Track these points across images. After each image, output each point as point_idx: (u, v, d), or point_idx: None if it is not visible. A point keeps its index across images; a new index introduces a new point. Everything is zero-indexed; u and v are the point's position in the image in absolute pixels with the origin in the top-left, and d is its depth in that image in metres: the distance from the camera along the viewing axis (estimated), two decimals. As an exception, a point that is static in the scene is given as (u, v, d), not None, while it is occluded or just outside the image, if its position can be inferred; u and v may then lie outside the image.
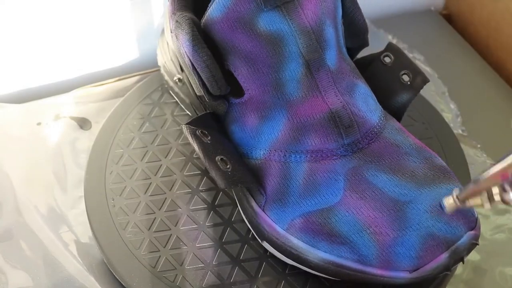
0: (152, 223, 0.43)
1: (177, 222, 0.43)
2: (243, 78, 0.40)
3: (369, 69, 0.44)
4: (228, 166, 0.39)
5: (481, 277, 0.43)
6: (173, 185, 0.45)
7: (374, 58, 0.45)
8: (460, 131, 0.53)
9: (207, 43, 0.40)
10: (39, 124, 0.53)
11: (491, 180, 0.32)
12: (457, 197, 0.34)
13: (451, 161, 0.47)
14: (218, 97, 0.41)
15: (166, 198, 0.45)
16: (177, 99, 0.50)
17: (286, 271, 0.40)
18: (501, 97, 0.57)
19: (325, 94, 0.39)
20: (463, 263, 0.37)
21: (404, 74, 0.44)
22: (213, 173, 0.38)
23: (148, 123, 0.50)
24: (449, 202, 0.35)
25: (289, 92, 0.39)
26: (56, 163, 0.50)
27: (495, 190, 0.32)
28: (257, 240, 0.41)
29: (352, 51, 0.44)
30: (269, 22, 0.38)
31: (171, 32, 0.42)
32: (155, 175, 0.46)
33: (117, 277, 0.41)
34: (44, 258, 0.44)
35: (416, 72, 0.44)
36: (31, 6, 0.54)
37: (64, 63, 0.58)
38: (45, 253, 0.44)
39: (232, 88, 0.41)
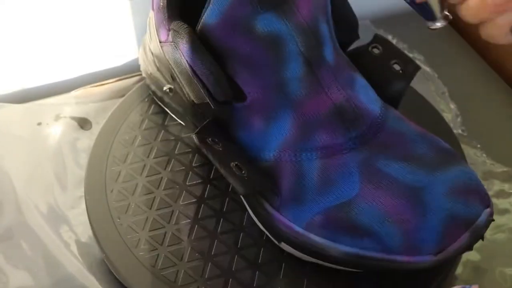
0: (147, 221, 0.43)
1: (170, 219, 0.43)
2: (244, 82, 0.40)
3: (359, 61, 0.44)
4: (243, 172, 0.39)
5: (481, 277, 0.43)
6: (177, 192, 0.45)
7: (363, 51, 0.45)
8: (460, 131, 0.53)
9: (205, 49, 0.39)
10: (39, 124, 0.53)
11: None
12: None
13: (451, 161, 0.47)
14: (224, 102, 0.40)
15: (165, 196, 0.45)
16: (167, 109, 0.50)
17: (307, 270, 0.40)
18: (501, 97, 0.57)
19: (328, 90, 0.40)
20: (483, 240, 0.38)
21: (395, 63, 0.44)
22: (231, 180, 0.39)
23: (148, 121, 0.50)
24: None
25: (292, 92, 0.39)
26: (56, 163, 0.50)
27: None
28: (272, 242, 0.41)
29: (343, 45, 0.44)
30: (266, 23, 0.38)
31: (166, 42, 0.42)
32: (164, 169, 0.46)
33: (117, 276, 0.41)
34: (45, 258, 0.44)
35: (406, 61, 0.44)
36: (31, 6, 0.54)
37: (64, 63, 0.58)
38: (46, 253, 0.44)
39: (234, 93, 0.40)
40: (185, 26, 0.40)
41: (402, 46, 0.60)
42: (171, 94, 0.47)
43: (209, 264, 0.41)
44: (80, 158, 0.50)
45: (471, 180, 0.39)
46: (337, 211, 0.38)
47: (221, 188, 0.45)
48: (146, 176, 0.46)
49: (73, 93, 0.55)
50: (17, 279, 0.42)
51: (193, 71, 0.39)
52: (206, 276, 0.40)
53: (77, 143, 0.51)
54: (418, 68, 0.44)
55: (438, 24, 0.31)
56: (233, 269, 0.41)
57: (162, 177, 0.46)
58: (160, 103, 0.50)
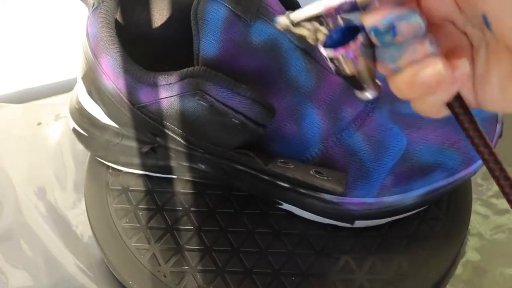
0: (147, 221, 0.43)
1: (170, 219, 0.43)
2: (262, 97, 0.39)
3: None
4: (322, 173, 0.39)
5: (481, 277, 0.43)
6: (175, 181, 0.45)
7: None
8: (460, 131, 0.53)
9: None
10: (39, 124, 0.53)
11: (318, 9, 0.28)
12: (289, 18, 0.30)
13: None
14: (264, 124, 0.39)
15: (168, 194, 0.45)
16: (140, 169, 0.46)
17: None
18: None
19: (331, 70, 0.40)
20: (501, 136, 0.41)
21: None
22: (326, 186, 0.39)
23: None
24: (283, 19, 0.31)
25: (303, 85, 0.40)
26: (56, 163, 0.50)
27: (324, 30, 0.29)
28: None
29: None
30: (259, 32, 0.38)
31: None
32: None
33: (117, 277, 0.41)
34: (44, 258, 0.44)
35: None
36: (31, 6, 0.54)
37: (64, 63, 0.58)
38: (45, 253, 0.44)
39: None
40: (206, 70, 0.36)
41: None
42: (154, 153, 0.44)
43: (208, 259, 0.41)
44: (80, 158, 0.50)
45: None
46: (402, 165, 0.40)
47: (223, 188, 0.45)
48: (146, 176, 0.46)
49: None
50: (17, 279, 0.43)
51: (227, 109, 0.37)
52: (205, 275, 0.41)
53: (77, 143, 0.51)
54: None
55: (368, 95, 0.30)
56: (225, 268, 0.41)
57: (162, 177, 0.46)
58: (124, 168, 0.46)
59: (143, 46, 0.43)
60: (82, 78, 0.42)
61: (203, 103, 0.37)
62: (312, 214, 0.42)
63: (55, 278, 0.43)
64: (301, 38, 0.30)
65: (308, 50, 0.39)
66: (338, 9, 0.28)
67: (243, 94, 0.36)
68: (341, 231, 0.42)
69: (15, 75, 0.57)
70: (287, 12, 0.30)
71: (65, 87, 0.57)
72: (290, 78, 0.39)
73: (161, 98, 0.38)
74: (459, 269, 0.43)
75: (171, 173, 0.45)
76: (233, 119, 0.37)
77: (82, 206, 0.45)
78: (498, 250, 0.45)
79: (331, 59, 0.29)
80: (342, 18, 0.29)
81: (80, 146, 0.51)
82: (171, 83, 0.37)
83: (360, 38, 0.28)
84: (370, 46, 0.28)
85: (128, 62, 0.38)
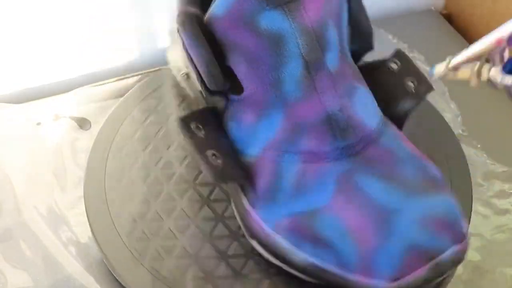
0: (147, 222, 0.43)
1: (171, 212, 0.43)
2: (243, 76, 0.40)
3: (375, 74, 0.44)
4: (219, 161, 0.39)
5: (481, 277, 0.43)
6: (172, 178, 0.45)
7: (381, 64, 0.44)
8: (460, 131, 0.53)
9: (210, 39, 0.40)
10: (39, 124, 0.53)
11: (485, 45, 0.31)
12: (449, 64, 0.33)
13: (451, 161, 0.47)
14: (216, 92, 0.41)
15: (163, 192, 0.45)
16: (182, 94, 0.50)
17: (271, 271, 0.40)
18: (501, 97, 0.57)
19: (322, 96, 0.39)
20: (446, 277, 0.37)
21: (409, 81, 0.43)
22: (203, 167, 0.38)
23: (148, 120, 0.50)
24: (439, 68, 0.33)
25: (287, 92, 0.39)
26: (56, 163, 0.50)
27: (486, 67, 0.32)
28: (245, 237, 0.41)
29: (356, 55, 0.43)
30: (271, 20, 0.38)
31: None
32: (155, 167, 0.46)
33: (117, 277, 0.41)
34: (44, 258, 0.44)
35: (421, 80, 0.42)
36: (31, 6, 0.54)
37: (64, 63, 0.58)
38: (45, 253, 0.44)
39: (234, 85, 0.41)
40: (188, 14, 0.40)
41: (402, 46, 0.60)
42: (188, 79, 0.48)
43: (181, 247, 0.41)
44: (80, 158, 0.50)
45: (450, 213, 0.37)
46: (303, 218, 0.38)
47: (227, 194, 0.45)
48: (146, 177, 0.46)
49: (73, 93, 0.55)
50: (16, 279, 0.42)
51: (191, 59, 0.40)
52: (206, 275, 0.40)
53: (76, 143, 0.51)
54: (430, 88, 0.42)
55: None
56: (200, 254, 0.41)
57: (163, 177, 0.46)
58: (176, 89, 0.50)
59: None
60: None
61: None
62: None
63: (55, 278, 0.43)
64: (462, 80, 0.32)
65: (310, 64, 0.39)
66: (510, 41, 0.30)
67: (200, 52, 0.39)
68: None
69: (14, 75, 0.57)
70: (448, 58, 0.32)
71: (65, 87, 0.57)
72: (279, 77, 0.39)
73: None
74: (459, 269, 0.43)
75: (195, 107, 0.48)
76: (192, 68, 0.40)
77: (82, 206, 0.45)
78: (498, 250, 0.45)
79: None
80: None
81: (79, 146, 0.51)
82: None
83: None
84: None
85: None
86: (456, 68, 0.32)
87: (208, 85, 0.40)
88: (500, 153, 0.52)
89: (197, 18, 0.40)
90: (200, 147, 0.39)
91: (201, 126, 0.40)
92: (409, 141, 0.42)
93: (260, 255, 0.41)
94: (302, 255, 0.37)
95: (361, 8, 0.43)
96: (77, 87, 0.56)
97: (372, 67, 0.44)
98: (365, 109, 0.40)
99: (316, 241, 0.37)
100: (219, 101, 0.41)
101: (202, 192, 0.45)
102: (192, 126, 0.40)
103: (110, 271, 0.42)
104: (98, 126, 0.50)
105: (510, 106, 0.56)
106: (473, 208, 0.44)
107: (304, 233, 0.37)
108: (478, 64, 0.32)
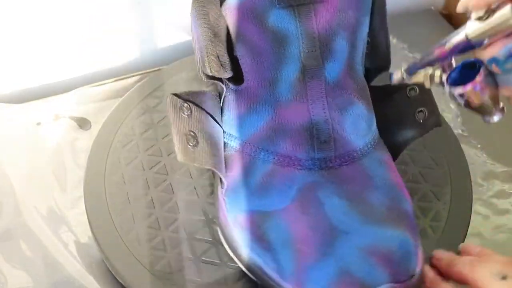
0: (147, 222, 0.43)
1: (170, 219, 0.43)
2: (246, 67, 0.40)
3: (391, 97, 0.43)
4: (194, 143, 0.38)
5: (481, 277, 0.43)
6: (172, 177, 0.45)
7: (402, 88, 0.43)
8: (460, 131, 0.53)
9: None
10: (38, 124, 0.53)
11: (432, 55, 0.34)
12: (404, 70, 0.36)
13: (451, 161, 0.47)
14: (212, 77, 0.41)
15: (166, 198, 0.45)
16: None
17: (227, 262, 0.41)
18: (500, 98, 0.57)
19: (311, 104, 0.39)
20: None
21: (420, 111, 0.42)
22: (175, 146, 0.38)
23: (148, 120, 0.50)
24: (397, 75, 0.37)
25: (280, 92, 0.40)
26: (55, 163, 0.50)
27: (437, 73, 0.35)
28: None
29: (370, 72, 0.43)
30: (279, 19, 0.38)
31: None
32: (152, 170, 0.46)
33: (117, 277, 0.41)
34: (44, 258, 0.44)
35: (432, 112, 0.42)
36: (31, 6, 0.54)
37: (64, 63, 0.58)
38: (45, 253, 0.44)
39: (237, 75, 0.41)
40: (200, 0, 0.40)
41: (402, 46, 0.60)
42: None
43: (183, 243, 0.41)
44: (79, 158, 0.50)
45: (400, 250, 0.36)
46: (258, 217, 0.38)
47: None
48: (145, 179, 0.46)
49: (73, 93, 0.55)
50: (16, 279, 0.42)
51: (192, 32, 0.41)
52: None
53: (76, 143, 0.51)
54: (438, 123, 0.42)
55: (496, 118, 0.34)
56: (227, 267, 0.41)
57: (162, 177, 0.46)
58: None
59: None
60: None
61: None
62: None
63: (55, 278, 0.43)
64: (417, 84, 0.36)
65: (306, 70, 0.39)
66: (452, 52, 0.33)
67: (202, 34, 0.39)
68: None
69: (14, 75, 0.57)
70: (403, 64, 0.36)
71: (65, 87, 0.57)
72: (276, 76, 0.39)
73: None
74: (459, 269, 0.43)
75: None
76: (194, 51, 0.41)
77: (82, 206, 0.45)
78: (498, 250, 0.45)
79: (461, 95, 0.33)
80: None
81: (79, 146, 0.51)
82: None
83: (481, 71, 0.32)
84: (490, 76, 0.33)
85: None
86: (412, 73, 0.36)
87: (203, 69, 0.40)
88: (500, 153, 0.52)
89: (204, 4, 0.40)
90: (180, 126, 0.38)
91: (189, 106, 0.39)
92: (396, 172, 0.41)
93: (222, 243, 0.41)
94: (248, 253, 0.37)
95: (383, 26, 0.42)
96: (77, 87, 0.56)
97: (392, 90, 0.43)
98: (355, 126, 0.40)
99: (262, 242, 0.37)
100: (213, 87, 0.42)
101: (202, 192, 0.45)
102: (179, 104, 0.39)
103: (109, 271, 0.42)
104: (98, 126, 0.50)
105: (510, 107, 0.56)
106: (473, 208, 0.44)
107: (254, 231, 0.37)
108: (431, 69, 0.35)
